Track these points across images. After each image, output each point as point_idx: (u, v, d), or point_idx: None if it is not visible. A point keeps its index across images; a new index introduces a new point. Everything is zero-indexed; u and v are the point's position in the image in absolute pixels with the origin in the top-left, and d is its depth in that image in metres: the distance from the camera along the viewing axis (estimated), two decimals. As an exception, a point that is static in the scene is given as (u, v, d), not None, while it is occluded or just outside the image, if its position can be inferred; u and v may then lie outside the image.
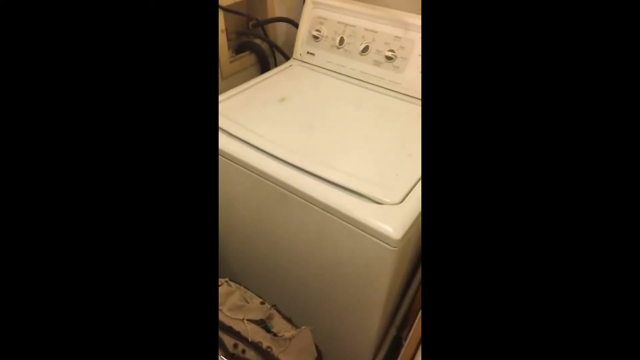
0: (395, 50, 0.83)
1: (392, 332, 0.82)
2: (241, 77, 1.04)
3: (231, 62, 1.01)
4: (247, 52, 1.06)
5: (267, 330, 0.60)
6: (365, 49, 0.86)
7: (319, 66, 0.93)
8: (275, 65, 1.11)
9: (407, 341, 0.73)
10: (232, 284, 0.67)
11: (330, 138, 0.72)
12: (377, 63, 0.85)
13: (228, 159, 0.71)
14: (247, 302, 0.64)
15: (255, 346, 0.59)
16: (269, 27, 1.09)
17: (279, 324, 0.62)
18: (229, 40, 0.99)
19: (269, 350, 0.59)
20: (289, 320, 0.64)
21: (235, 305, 0.62)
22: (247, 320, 0.60)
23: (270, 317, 0.62)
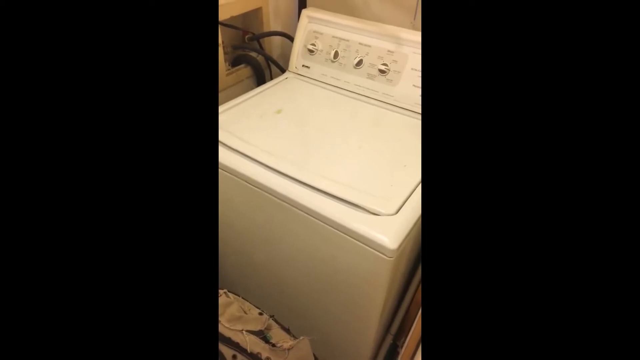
0: (389, 64, 0.85)
1: (389, 339, 0.83)
2: (237, 90, 1.05)
3: (227, 74, 1.02)
4: (243, 65, 1.07)
5: (266, 341, 0.61)
6: (359, 63, 0.88)
7: (314, 79, 0.95)
8: (271, 78, 1.13)
9: (403, 349, 0.74)
10: (230, 294, 0.67)
11: (326, 149, 0.73)
12: (370, 76, 0.88)
13: (225, 171, 0.72)
14: (246, 313, 0.64)
15: (255, 357, 0.59)
16: (265, 40, 1.11)
17: (277, 334, 0.63)
18: (225, 53, 1.01)
19: (267, 360, 0.59)
20: (287, 330, 0.64)
21: (233, 316, 0.63)
22: (246, 331, 0.61)
23: (268, 328, 0.63)
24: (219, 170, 0.73)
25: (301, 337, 0.62)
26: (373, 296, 0.65)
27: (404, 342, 0.77)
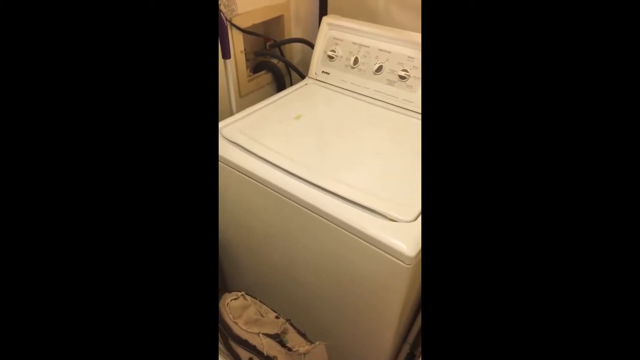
0: (409, 70, 0.85)
1: (406, 348, 0.82)
2: (258, 96, 1.07)
3: (249, 81, 1.04)
4: (264, 72, 1.09)
5: (282, 344, 0.61)
6: (379, 69, 0.88)
7: (333, 85, 0.96)
8: (291, 84, 1.14)
9: (421, 358, 0.72)
10: (247, 297, 0.68)
11: (345, 155, 0.73)
12: (390, 82, 0.88)
13: (245, 175, 0.73)
14: (263, 316, 0.65)
15: (271, 360, 0.60)
16: (286, 47, 1.12)
17: (293, 338, 0.63)
18: (247, 60, 1.03)
19: (283, 364, 0.59)
20: (303, 335, 0.65)
21: (250, 319, 0.64)
22: (263, 334, 0.61)
23: (285, 332, 0.63)
24: (239, 173, 0.74)
25: (317, 342, 0.62)
26: (390, 303, 0.64)
27: (421, 352, 0.75)
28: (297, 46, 1.17)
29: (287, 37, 1.10)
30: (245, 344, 0.61)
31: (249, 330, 0.62)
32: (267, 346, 0.60)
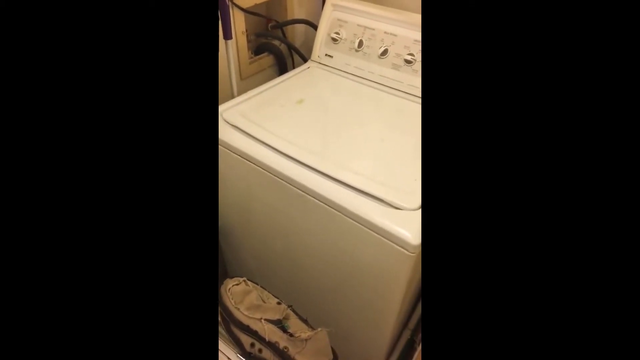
0: (415, 54, 0.83)
1: (406, 335, 0.83)
2: (260, 78, 1.05)
3: (250, 63, 1.02)
4: (265, 54, 1.07)
5: (284, 330, 0.61)
6: (384, 52, 0.86)
7: (337, 69, 0.93)
8: (293, 67, 1.11)
9: (421, 345, 0.73)
10: (249, 283, 0.68)
11: (349, 141, 0.72)
12: (395, 66, 0.85)
13: (246, 160, 0.72)
14: (264, 302, 0.65)
15: (272, 346, 0.60)
16: (288, 28, 1.09)
17: (295, 324, 0.63)
18: (248, 41, 1.00)
19: (285, 350, 0.59)
20: (305, 321, 0.65)
21: (252, 305, 0.63)
22: (265, 319, 0.61)
23: (286, 318, 0.63)
24: (240, 158, 0.73)
25: (319, 329, 0.62)
26: (392, 291, 0.64)
27: (421, 338, 0.76)
28: (300, 28, 1.14)
29: (289, 17, 1.07)
30: (247, 329, 0.61)
31: (251, 315, 0.62)
32: (269, 332, 0.60)
